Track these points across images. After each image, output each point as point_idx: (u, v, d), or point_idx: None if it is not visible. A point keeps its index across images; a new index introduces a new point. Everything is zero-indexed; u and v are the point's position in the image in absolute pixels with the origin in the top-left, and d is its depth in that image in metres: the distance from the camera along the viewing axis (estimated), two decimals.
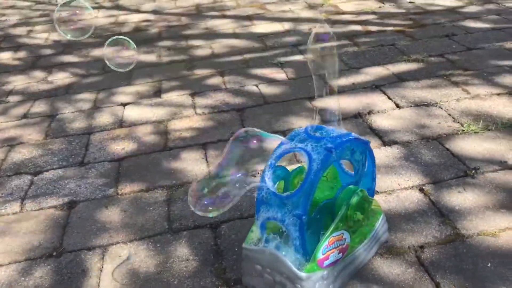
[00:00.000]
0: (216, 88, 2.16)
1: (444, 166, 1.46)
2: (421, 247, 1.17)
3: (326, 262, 0.99)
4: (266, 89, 2.10)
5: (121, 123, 1.94)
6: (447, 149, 1.53)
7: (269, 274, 1.02)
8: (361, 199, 1.03)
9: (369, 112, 1.80)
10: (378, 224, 1.14)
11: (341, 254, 1.03)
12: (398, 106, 1.84)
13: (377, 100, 1.89)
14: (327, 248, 0.98)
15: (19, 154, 1.78)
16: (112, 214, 1.40)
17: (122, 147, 1.76)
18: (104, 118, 1.99)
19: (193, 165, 1.61)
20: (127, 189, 1.52)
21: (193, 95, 2.12)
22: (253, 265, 1.04)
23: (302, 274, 0.96)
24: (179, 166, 1.61)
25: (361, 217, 1.04)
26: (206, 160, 1.62)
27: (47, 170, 1.67)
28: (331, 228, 0.99)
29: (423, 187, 1.37)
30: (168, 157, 1.67)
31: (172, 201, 1.44)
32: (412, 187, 1.38)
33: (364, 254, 1.11)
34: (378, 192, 1.36)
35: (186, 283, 1.13)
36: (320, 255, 0.97)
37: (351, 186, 1.05)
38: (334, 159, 0.97)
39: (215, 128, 1.82)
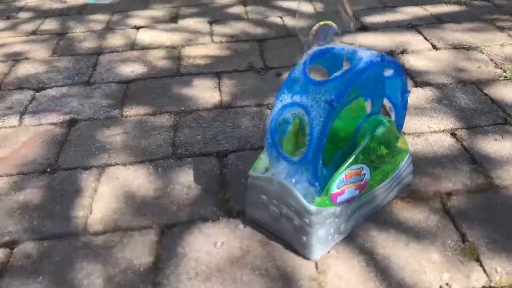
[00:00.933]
0: (236, 17, 2.01)
1: (481, 112, 1.31)
2: (448, 194, 1.04)
3: (340, 198, 0.88)
4: (291, 22, 1.94)
5: (133, 45, 1.81)
6: (486, 95, 1.38)
7: (275, 206, 0.91)
8: (388, 131, 0.90)
9: (403, 51, 1.64)
10: (403, 164, 1.02)
11: (358, 192, 0.91)
12: (434, 47, 1.67)
13: (412, 39, 1.73)
14: (343, 182, 0.87)
15: (24, 69, 1.68)
16: (113, 135, 1.30)
17: (131, 69, 1.65)
18: (115, 39, 1.87)
19: (205, 92, 1.49)
20: (133, 111, 1.41)
21: (211, 22, 1.98)
22: (258, 195, 0.94)
23: (312, 208, 0.85)
24: (189, 93, 1.49)
25: (385, 152, 0.91)
26: (219, 89, 1.50)
27: (50, 87, 1.56)
28: (350, 160, 0.87)
29: (456, 132, 1.23)
30: (179, 83, 1.55)
31: (179, 127, 1.33)
32: (443, 130, 1.24)
33: (384, 195, 0.99)
34: (404, 133, 1.23)
35: (185, 210, 1.03)
36: (334, 189, 0.86)
37: (378, 115, 0.92)
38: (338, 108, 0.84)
39: (231, 58, 1.69)
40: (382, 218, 0.98)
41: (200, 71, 1.61)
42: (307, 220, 0.86)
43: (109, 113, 1.41)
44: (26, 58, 1.76)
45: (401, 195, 1.04)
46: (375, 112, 0.93)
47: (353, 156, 0.87)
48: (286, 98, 0.89)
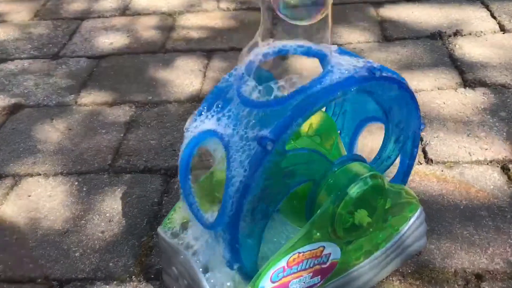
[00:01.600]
0: None
1: None
2: (478, 277, 0.68)
3: None
4: None
5: (124, 10, 1.51)
6: None
7: (186, 287, 0.60)
8: (370, 191, 0.55)
9: (456, 33, 1.21)
10: (407, 227, 0.66)
11: (318, 279, 0.58)
12: (503, 28, 1.22)
13: (473, 16, 1.29)
14: (283, 272, 0.54)
15: None
16: (52, 132, 1.02)
17: (111, 41, 1.35)
18: (108, 2, 1.57)
19: (185, 77, 1.16)
20: (90, 98, 1.13)
21: None
22: (169, 263, 0.63)
23: None
24: (166, 77, 1.17)
25: (367, 222, 0.56)
26: (204, 73, 1.17)
27: (12, 59, 1.31)
28: (294, 240, 0.53)
29: (509, 166, 0.84)
30: (159, 62, 1.24)
31: (135, 125, 1.03)
32: (491, 162, 0.85)
33: (372, 272, 0.65)
34: (430, 160, 0.86)
35: (90, 259, 0.74)
36: (266, 284, 0.53)
37: (356, 162, 0.56)
38: (274, 157, 0.50)
39: (233, 31, 1.34)
40: None
41: (189, 48, 1.28)
42: None
43: (63, 99, 1.13)
44: (3, 21, 1.51)
45: (404, 269, 0.69)
46: (352, 158, 0.57)
47: (301, 233, 0.53)
48: (204, 122, 0.56)
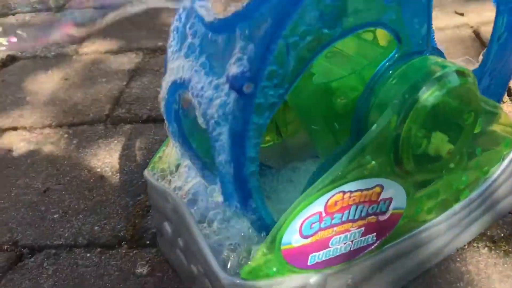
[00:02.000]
0: None
1: None
2: None
3: (319, 255, 0.36)
4: None
5: None
6: None
7: (182, 251, 0.42)
8: (454, 99, 0.35)
9: None
10: (499, 171, 0.46)
11: (372, 238, 0.39)
12: None
13: None
14: (319, 221, 0.35)
15: None
16: (46, 83, 0.87)
17: None
18: None
19: None
20: (93, 47, 0.97)
21: None
22: (161, 219, 0.45)
23: (230, 282, 0.34)
24: None
25: (448, 150, 0.37)
26: None
27: (14, 14, 1.17)
28: (335, 170, 0.34)
29: None
30: (173, 8, 1.07)
31: (140, 72, 0.86)
32: None
33: (451, 234, 0.45)
34: None
35: (74, 219, 0.58)
36: (293, 239, 0.34)
37: (424, 55, 0.36)
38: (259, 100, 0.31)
39: None
40: (443, 283, 0.45)
41: None
42: None
43: (63, 49, 0.98)
44: None
45: (494, 232, 0.49)
46: (417, 51, 0.37)
47: (348, 161, 0.34)
48: (172, 63, 0.38)
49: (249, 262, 0.34)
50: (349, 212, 0.36)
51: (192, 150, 0.40)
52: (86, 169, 0.66)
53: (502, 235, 0.48)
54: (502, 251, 0.47)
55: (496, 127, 0.43)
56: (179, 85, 0.38)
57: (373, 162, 0.34)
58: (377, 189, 0.36)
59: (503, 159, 0.46)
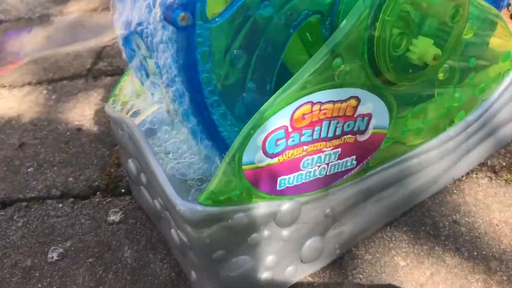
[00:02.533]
0: None
1: None
2: None
3: (289, 179, 0.33)
4: None
5: None
6: None
7: (146, 188, 0.38)
8: None
9: None
10: (498, 92, 0.41)
11: (351, 161, 0.35)
12: None
13: None
14: (285, 138, 0.31)
15: None
16: (28, 43, 0.83)
17: None
18: None
19: None
20: (78, 6, 0.93)
21: None
22: (125, 157, 0.41)
23: (187, 208, 0.31)
24: None
25: (434, 55, 0.32)
26: None
27: None
28: (300, 74, 0.29)
29: None
30: None
31: None
32: None
33: (445, 162, 0.41)
34: None
35: (48, 172, 0.55)
36: (257, 156, 0.30)
37: None
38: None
39: None
40: (437, 216, 0.40)
41: None
42: (185, 239, 0.32)
43: (47, 11, 0.94)
44: None
45: (494, 161, 0.44)
46: None
47: (315, 62, 0.29)
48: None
49: (207, 186, 0.30)
50: (320, 129, 0.32)
51: (147, 75, 0.36)
52: (64, 122, 0.62)
53: (504, 164, 0.44)
54: (504, 181, 0.42)
55: (494, 38, 0.38)
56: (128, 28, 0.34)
57: (344, 66, 0.30)
58: (353, 102, 0.32)
59: (503, 77, 0.41)
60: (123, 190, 0.50)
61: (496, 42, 0.39)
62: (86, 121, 0.62)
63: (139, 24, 0.35)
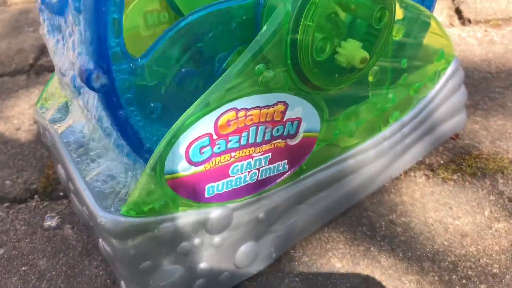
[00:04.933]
0: None
1: None
2: None
3: (217, 187, 0.32)
4: None
5: None
6: None
7: (76, 196, 0.37)
8: None
9: None
10: (434, 90, 0.42)
11: (284, 165, 0.34)
12: None
13: None
14: (210, 145, 0.30)
15: None
16: None
17: None
18: None
19: None
20: None
21: None
22: (56, 162, 0.40)
23: (108, 220, 0.30)
24: None
25: (362, 58, 0.32)
26: None
27: None
28: (221, 80, 0.29)
29: None
30: None
31: None
32: None
33: (381, 162, 0.41)
34: (467, 21, 0.60)
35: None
36: (180, 165, 0.30)
37: None
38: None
39: None
40: (374, 216, 0.41)
41: None
42: (110, 250, 0.31)
43: None
44: None
45: (432, 159, 0.45)
46: None
47: (236, 68, 0.29)
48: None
49: (130, 196, 0.30)
50: (248, 134, 0.31)
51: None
52: (2, 121, 0.60)
53: (441, 162, 0.44)
54: (440, 179, 0.43)
55: (426, 38, 0.38)
56: None
57: (268, 72, 0.29)
58: (280, 107, 0.31)
59: (439, 76, 0.42)
60: (61, 194, 0.49)
61: (429, 41, 0.39)
62: (26, 121, 0.59)
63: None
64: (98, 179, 0.32)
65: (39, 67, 0.69)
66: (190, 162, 0.30)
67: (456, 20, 0.61)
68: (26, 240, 0.44)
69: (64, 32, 0.30)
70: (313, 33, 0.29)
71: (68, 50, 0.29)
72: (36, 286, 0.40)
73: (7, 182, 0.52)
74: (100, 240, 0.33)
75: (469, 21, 0.61)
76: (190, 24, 0.29)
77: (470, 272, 0.36)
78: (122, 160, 0.31)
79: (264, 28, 0.28)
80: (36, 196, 0.49)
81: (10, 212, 0.48)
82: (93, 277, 0.40)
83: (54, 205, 0.47)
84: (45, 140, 0.38)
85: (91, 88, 0.27)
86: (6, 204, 0.49)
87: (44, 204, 0.48)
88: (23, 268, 0.42)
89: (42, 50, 0.72)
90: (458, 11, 0.63)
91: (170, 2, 0.40)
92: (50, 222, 0.46)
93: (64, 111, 0.36)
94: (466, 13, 0.62)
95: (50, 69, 0.68)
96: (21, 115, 0.60)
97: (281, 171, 0.34)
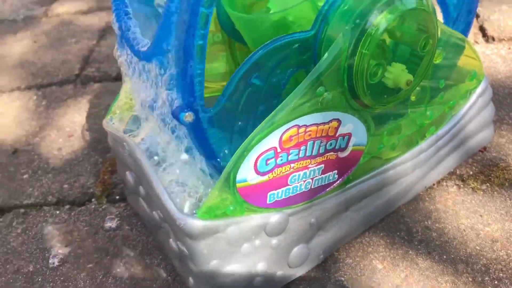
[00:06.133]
0: None
1: None
2: None
3: (277, 194, 0.36)
4: None
5: None
6: None
7: (144, 200, 0.41)
8: (410, 22, 0.34)
9: None
10: (466, 107, 0.45)
11: (334, 175, 0.38)
12: None
13: None
14: (275, 157, 0.34)
15: None
16: (14, 47, 0.84)
17: None
18: None
19: None
20: (63, 8, 0.94)
21: None
22: (123, 169, 0.44)
23: (187, 222, 0.34)
24: None
25: (406, 80, 0.35)
26: None
27: None
28: (288, 102, 0.33)
29: None
30: None
31: (110, 31, 0.84)
32: None
33: (418, 173, 0.44)
34: (490, 38, 0.64)
35: (40, 181, 0.57)
36: (249, 175, 0.34)
37: None
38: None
39: None
40: (411, 222, 0.44)
41: None
42: (184, 249, 0.35)
43: (31, 12, 0.95)
44: None
45: (463, 170, 0.48)
46: None
47: (300, 91, 0.33)
48: None
49: (204, 201, 0.34)
50: (306, 148, 0.35)
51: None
52: (55, 129, 0.64)
53: (471, 173, 0.48)
54: (470, 189, 0.47)
55: (461, 60, 0.42)
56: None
57: (327, 94, 0.33)
58: (334, 124, 0.35)
59: (470, 94, 0.45)
60: (117, 197, 0.53)
61: (463, 63, 0.43)
62: (77, 128, 0.64)
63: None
64: (173, 185, 0.36)
65: (84, 77, 0.73)
66: (257, 172, 0.34)
67: (480, 38, 0.65)
68: (89, 240, 0.49)
69: (148, 70, 0.35)
70: (368, 60, 0.33)
71: (152, 86, 0.34)
72: (103, 282, 0.44)
73: (65, 186, 0.56)
74: (172, 240, 0.37)
75: (493, 39, 0.64)
76: (260, 58, 0.33)
77: (501, 274, 0.40)
78: (195, 168, 0.36)
79: (325, 56, 0.32)
80: (93, 199, 0.54)
81: (72, 214, 0.52)
82: (155, 275, 0.44)
83: (112, 208, 0.52)
84: (119, 151, 0.42)
85: (181, 123, 0.32)
86: (67, 207, 0.53)
87: (103, 207, 0.52)
88: (90, 265, 0.46)
89: (86, 61, 0.77)
90: (482, 29, 0.67)
91: (222, 25, 0.44)
92: (110, 223, 0.50)
93: (135, 123, 0.41)
94: (490, 31, 0.66)
95: (95, 79, 0.72)
96: (72, 123, 0.65)
97: (331, 181, 0.38)
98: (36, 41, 0.85)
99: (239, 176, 0.33)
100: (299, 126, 0.34)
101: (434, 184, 0.47)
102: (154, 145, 0.38)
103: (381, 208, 0.44)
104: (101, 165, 0.57)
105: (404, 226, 0.44)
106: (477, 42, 0.64)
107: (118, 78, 0.72)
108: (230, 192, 0.33)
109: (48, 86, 0.73)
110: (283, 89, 0.35)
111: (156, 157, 0.37)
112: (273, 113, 0.33)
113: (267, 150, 0.33)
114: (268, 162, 0.34)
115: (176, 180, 0.36)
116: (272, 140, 0.33)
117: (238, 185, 0.33)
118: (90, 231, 0.50)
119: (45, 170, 0.58)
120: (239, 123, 0.34)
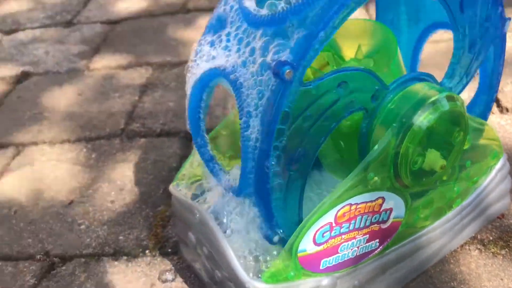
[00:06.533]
0: None
1: None
2: None
3: (329, 261, 0.42)
4: None
5: None
6: None
7: (207, 260, 0.47)
8: (445, 120, 0.41)
9: None
10: (488, 180, 0.51)
11: (376, 243, 0.44)
12: None
13: None
14: (330, 231, 0.40)
15: (7, 6, 1.34)
16: (60, 99, 0.91)
17: (127, 5, 1.24)
18: None
19: None
20: (103, 62, 1.01)
21: None
22: (184, 229, 0.50)
23: (253, 285, 0.39)
24: (186, 37, 1.05)
25: (440, 165, 0.42)
26: None
27: (23, 29, 1.21)
28: (343, 186, 0.39)
29: None
30: (180, 22, 1.11)
31: (152, 86, 0.91)
32: None
33: (445, 239, 0.50)
34: (505, 109, 0.70)
35: (96, 232, 0.63)
36: (307, 246, 0.39)
37: (423, 82, 0.42)
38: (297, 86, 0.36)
39: None
40: (438, 283, 0.50)
41: (213, 6, 1.16)
42: None
43: (74, 65, 1.02)
44: None
45: (484, 235, 0.54)
46: (417, 77, 0.43)
47: (354, 178, 0.39)
48: (207, 54, 0.42)
49: (269, 267, 0.40)
50: (355, 222, 0.41)
51: (215, 164, 0.45)
52: (107, 181, 0.70)
53: (491, 238, 0.54)
54: (491, 253, 0.52)
55: (483, 141, 0.49)
56: (217, 73, 0.41)
57: (376, 178, 0.40)
58: (379, 201, 0.42)
59: (491, 170, 0.51)
60: (169, 250, 0.59)
61: (486, 142, 0.49)
62: (127, 182, 0.70)
63: (232, 72, 0.40)
64: (239, 251, 0.42)
65: (130, 132, 0.80)
66: (315, 243, 0.40)
67: (495, 108, 0.72)
68: None
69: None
70: (412, 151, 0.39)
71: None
72: None
73: (121, 237, 0.62)
74: None
75: (507, 109, 0.71)
76: None
77: None
78: (259, 236, 0.42)
79: (375, 147, 0.39)
80: (147, 251, 0.59)
81: (129, 265, 0.58)
82: None
83: (166, 260, 0.57)
84: (181, 213, 0.48)
85: (281, 73, 0.35)
86: (124, 258, 0.59)
87: (157, 260, 0.58)
88: None
89: (130, 116, 0.84)
90: (496, 100, 0.73)
91: None
92: (166, 276, 0.55)
93: (201, 189, 0.47)
94: (504, 102, 0.72)
95: (140, 134, 0.79)
96: (122, 177, 0.71)
97: (373, 248, 0.44)
98: (80, 94, 0.92)
99: (300, 247, 0.39)
100: (351, 205, 0.40)
101: (458, 248, 0.53)
102: (221, 212, 0.44)
103: (413, 270, 0.49)
104: (152, 218, 0.63)
105: (433, 286, 0.50)
106: (492, 113, 0.71)
107: (161, 134, 0.78)
108: (292, 260, 0.39)
109: (97, 140, 0.79)
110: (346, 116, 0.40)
111: (224, 223, 0.43)
112: (330, 194, 0.39)
113: (324, 225, 0.39)
114: (324, 234, 0.40)
115: (241, 245, 0.42)
116: (329, 217, 0.39)
117: (299, 254, 0.39)
118: (147, 282, 0.55)
119: (101, 222, 0.64)
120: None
